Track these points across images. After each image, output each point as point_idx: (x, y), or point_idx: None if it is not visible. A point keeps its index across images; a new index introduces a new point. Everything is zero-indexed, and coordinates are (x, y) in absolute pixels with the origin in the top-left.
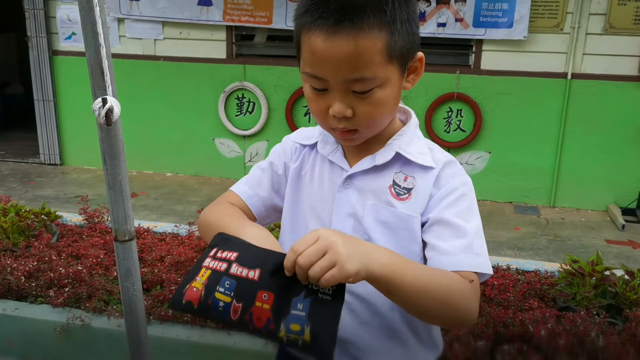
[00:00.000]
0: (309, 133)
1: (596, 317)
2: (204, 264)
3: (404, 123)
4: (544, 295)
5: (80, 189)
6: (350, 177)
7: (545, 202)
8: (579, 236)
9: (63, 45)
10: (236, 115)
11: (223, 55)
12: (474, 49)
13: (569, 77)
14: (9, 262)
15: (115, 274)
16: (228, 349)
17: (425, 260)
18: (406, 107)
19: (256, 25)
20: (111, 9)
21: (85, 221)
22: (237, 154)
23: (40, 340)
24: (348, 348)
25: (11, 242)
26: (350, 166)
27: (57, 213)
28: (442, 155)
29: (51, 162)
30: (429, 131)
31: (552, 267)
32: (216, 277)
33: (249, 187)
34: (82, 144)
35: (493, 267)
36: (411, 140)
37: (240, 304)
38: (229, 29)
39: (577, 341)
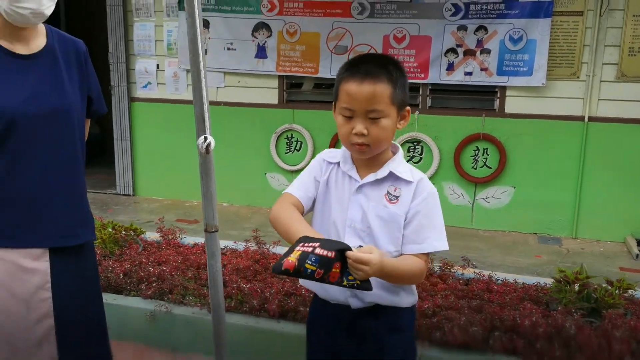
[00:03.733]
0: (334, 154)
1: (575, 314)
2: (296, 249)
3: (394, 154)
4: (538, 301)
5: (150, 215)
6: (360, 187)
7: (567, 234)
8: (595, 264)
9: (140, 93)
10: (285, 153)
11: (275, 101)
12: (498, 95)
13: (586, 120)
14: (110, 263)
15: (189, 274)
16: (277, 332)
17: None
18: (395, 143)
19: (304, 75)
20: (182, 62)
21: (161, 238)
22: (285, 187)
23: (133, 324)
24: (355, 292)
25: (108, 250)
26: (361, 179)
27: (141, 229)
28: (418, 174)
29: (125, 193)
30: (457, 167)
31: (551, 281)
32: (305, 255)
33: (302, 191)
34: (152, 177)
35: (502, 281)
36: (399, 164)
37: (322, 270)
38: (280, 78)
39: (555, 330)
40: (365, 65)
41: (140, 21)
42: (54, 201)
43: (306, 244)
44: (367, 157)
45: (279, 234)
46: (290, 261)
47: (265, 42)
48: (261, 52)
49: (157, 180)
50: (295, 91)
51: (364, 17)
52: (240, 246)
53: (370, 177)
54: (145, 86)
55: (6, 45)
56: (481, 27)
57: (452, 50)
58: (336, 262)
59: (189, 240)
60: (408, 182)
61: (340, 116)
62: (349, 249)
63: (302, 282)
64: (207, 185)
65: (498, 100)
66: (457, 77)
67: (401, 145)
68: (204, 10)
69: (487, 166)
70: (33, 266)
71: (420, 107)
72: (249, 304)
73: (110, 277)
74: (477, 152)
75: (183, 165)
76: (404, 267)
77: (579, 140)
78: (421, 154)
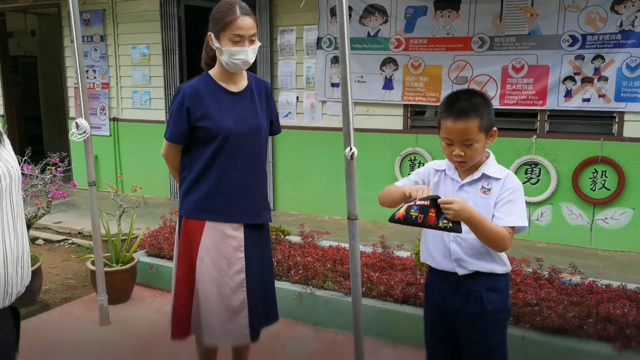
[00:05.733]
0: (441, 164)
1: None
2: (404, 205)
3: (487, 158)
4: (637, 301)
5: (287, 227)
6: (462, 186)
7: None
8: None
9: (282, 121)
10: (409, 173)
11: (400, 127)
12: (616, 119)
13: None
14: None
15: (328, 266)
16: (400, 313)
17: None
18: (488, 150)
19: (427, 104)
20: (318, 94)
21: (302, 240)
22: None
23: (284, 303)
24: (460, 263)
25: None
26: (461, 180)
27: (287, 231)
28: (505, 172)
29: None
30: (576, 189)
31: None
32: (410, 207)
33: (404, 185)
34: (288, 195)
35: (604, 286)
36: (490, 166)
37: (422, 215)
38: (405, 106)
39: None
40: (458, 105)
41: (283, 59)
42: (249, 191)
43: (410, 200)
44: (466, 168)
45: (386, 205)
46: (400, 212)
47: (392, 74)
48: (388, 84)
49: (294, 197)
50: (419, 118)
51: (484, 49)
52: (368, 249)
53: (468, 179)
54: (286, 115)
55: (224, 85)
56: (598, 56)
57: (570, 78)
58: (431, 208)
59: (325, 243)
60: (497, 179)
61: (443, 142)
62: (439, 197)
63: (422, 258)
64: (350, 184)
65: (616, 124)
66: (575, 104)
67: (519, 166)
68: (338, 49)
69: (605, 188)
70: (233, 234)
71: (538, 131)
72: (377, 290)
73: None
74: (595, 174)
75: (317, 185)
76: (490, 223)
77: None
78: (539, 175)
